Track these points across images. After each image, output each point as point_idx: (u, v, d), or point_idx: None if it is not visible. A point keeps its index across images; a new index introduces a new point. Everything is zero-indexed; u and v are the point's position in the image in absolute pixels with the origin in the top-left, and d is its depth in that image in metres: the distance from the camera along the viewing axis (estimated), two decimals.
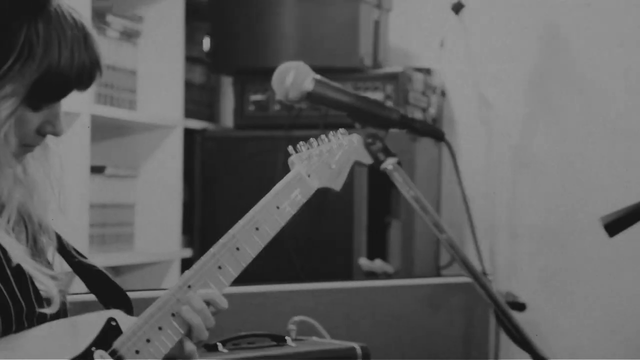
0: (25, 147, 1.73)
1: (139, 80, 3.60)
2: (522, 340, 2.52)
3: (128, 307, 1.82)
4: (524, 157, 3.93)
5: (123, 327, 1.75)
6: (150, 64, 3.62)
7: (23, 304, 1.71)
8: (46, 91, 1.69)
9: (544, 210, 3.89)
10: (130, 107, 3.55)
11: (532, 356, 2.53)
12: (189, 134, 3.75)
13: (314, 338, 2.65)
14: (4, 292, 1.69)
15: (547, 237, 3.88)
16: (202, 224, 3.76)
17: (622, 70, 3.82)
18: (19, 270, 1.72)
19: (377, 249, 3.64)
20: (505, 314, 2.52)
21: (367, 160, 2.07)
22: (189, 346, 1.81)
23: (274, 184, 3.56)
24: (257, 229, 1.88)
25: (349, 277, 3.39)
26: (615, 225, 2.72)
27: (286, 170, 3.58)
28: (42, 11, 1.67)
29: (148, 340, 1.75)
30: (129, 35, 3.53)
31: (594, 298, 3.82)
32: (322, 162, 1.99)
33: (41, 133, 1.73)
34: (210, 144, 3.78)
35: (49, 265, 1.81)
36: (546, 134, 3.92)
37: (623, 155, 3.81)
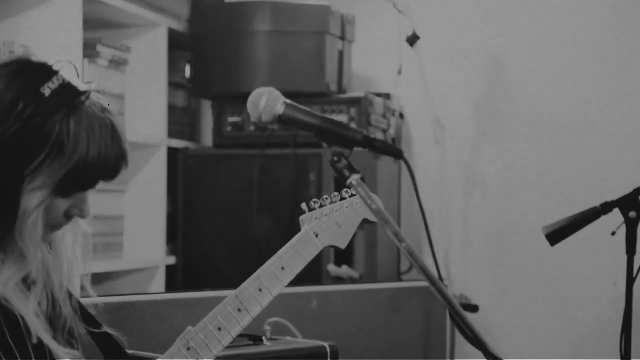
0: (53, 227, 1.69)
1: (127, 104, 3.57)
2: (475, 339, 2.49)
3: None
4: (474, 173, 3.93)
5: None
6: (137, 90, 3.59)
7: None
8: (73, 183, 1.65)
9: (492, 221, 3.89)
10: None
11: (484, 354, 2.51)
12: (172, 152, 3.72)
13: (288, 338, 2.62)
14: None
15: (496, 245, 3.88)
16: (185, 234, 3.73)
17: (560, 95, 3.83)
18: (40, 346, 1.66)
19: (344, 257, 3.62)
20: (460, 315, 2.49)
21: (375, 218, 1.92)
22: None
23: (249, 197, 3.55)
24: (260, 290, 1.80)
25: (318, 282, 3.37)
26: (556, 235, 2.71)
27: (261, 185, 3.57)
28: (76, 111, 1.63)
29: None
30: (117, 64, 3.49)
31: (538, 300, 3.82)
32: (331, 221, 1.88)
33: (68, 216, 1.69)
34: (191, 161, 3.75)
35: (65, 331, 1.74)
36: (493, 152, 3.92)
37: (561, 171, 3.82)
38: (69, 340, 1.73)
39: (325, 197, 1.91)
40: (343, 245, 1.91)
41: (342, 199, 1.91)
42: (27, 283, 1.70)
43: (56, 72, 1.65)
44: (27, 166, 1.61)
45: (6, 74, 1.65)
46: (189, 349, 1.75)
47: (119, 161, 1.70)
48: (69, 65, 1.68)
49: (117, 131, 1.69)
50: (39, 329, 1.66)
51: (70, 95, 1.64)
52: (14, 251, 1.65)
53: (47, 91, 1.62)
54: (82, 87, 1.66)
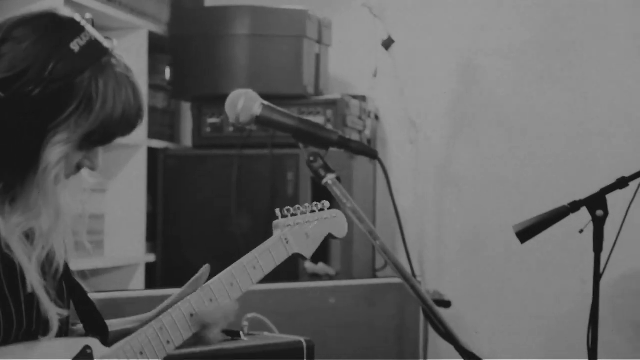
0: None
1: None
2: (447, 334, 2.51)
3: (105, 336, 1.77)
4: (447, 173, 3.95)
5: (96, 355, 1.70)
6: None
7: (25, 327, 1.65)
8: (95, 139, 1.65)
9: (465, 220, 3.91)
10: None
11: (456, 348, 2.53)
12: (152, 152, 3.72)
13: (265, 333, 2.63)
14: (13, 315, 1.63)
15: (468, 243, 3.90)
16: (164, 232, 3.73)
17: (531, 97, 3.86)
18: (31, 296, 1.66)
19: (320, 254, 3.60)
20: (432, 311, 2.50)
21: (341, 234, 2.02)
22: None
23: (228, 197, 3.56)
24: (231, 284, 1.85)
25: (295, 278, 3.38)
26: (526, 232, 2.72)
27: (239, 185, 3.57)
28: (104, 69, 1.64)
29: None
30: None
31: (509, 296, 3.84)
32: (301, 230, 1.95)
33: (79, 167, 1.68)
34: (171, 161, 3.75)
35: (55, 282, 1.74)
36: (466, 153, 3.94)
37: (532, 171, 3.84)
38: (59, 298, 1.73)
39: (297, 206, 1.97)
40: (308, 255, 1.98)
41: (312, 211, 1.97)
42: (28, 234, 1.68)
43: (83, 29, 1.64)
44: (53, 120, 1.60)
45: (36, 27, 1.63)
46: (161, 328, 1.78)
47: (138, 118, 1.70)
48: (89, 21, 1.68)
49: (137, 89, 1.69)
50: (35, 282, 1.65)
51: (97, 53, 1.64)
52: (24, 201, 1.64)
53: (76, 47, 1.62)
54: (106, 44, 1.67)
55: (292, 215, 1.96)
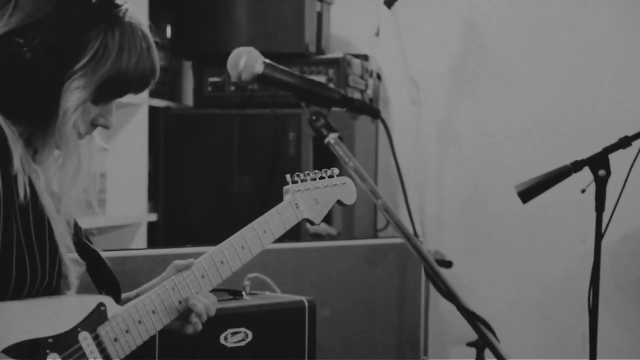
0: (78, 135, 1.71)
1: None
2: (448, 293, 2.51)
3: (117, 294, 1.80)
4: (449, 132, 3.94)
5: (110, 313, 1.74)
6: None
7: (47, 281, 1.68)
8: (110, 89, 1.69)
9: (467, 180, 3.90)
10: None
11: (457, 307, 2.53)
12: (153, 111, 3.71)
13: (267, 292, 2.63)
14: (39, 267, 1.66)
15: (470, 203, 3.90)
16: (166, 192, 3.73)
17: (533, 57, 3.83)
18: (55, 252, 1.69)
19: None
20: (434, 270, 2.51)
21: (349, 201, 2.07)
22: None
23: (229, 156, 3.54)
24: (242, 247, 1.90)
25: (297, 238, 3.37)
26: (528, 192, 2.72)
27: (241, 144, 3.56)
28: (115, 19, 1.68)
29: (127, 331, 1.75)
30: None
31: (511, 256, 3.84)
32: (311, 196, 2.00)
33: (94, 124, 1.73)
34: (172, 120, 3.74)
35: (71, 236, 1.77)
36: (468, 112, 3.92)
37: (534, 131, 3.83)
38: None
39: (307, 172, 2.02)
40: (317, 220, 2.04)
41: (322, 177, 2.01)
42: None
43: None
44: (70, 67, 1.65)
45: None
46: (173, 289, 1.81)
47: (152, 74, 1.75)
48: None
49: (152, 46, 1.75)
50: (61, 238, 1.70)
51: (114, 6, 1.70)
52: (47, 152, 1.69)
53: None
54: (120, 1, 1.72)
55: (302, 180, 1.99)
